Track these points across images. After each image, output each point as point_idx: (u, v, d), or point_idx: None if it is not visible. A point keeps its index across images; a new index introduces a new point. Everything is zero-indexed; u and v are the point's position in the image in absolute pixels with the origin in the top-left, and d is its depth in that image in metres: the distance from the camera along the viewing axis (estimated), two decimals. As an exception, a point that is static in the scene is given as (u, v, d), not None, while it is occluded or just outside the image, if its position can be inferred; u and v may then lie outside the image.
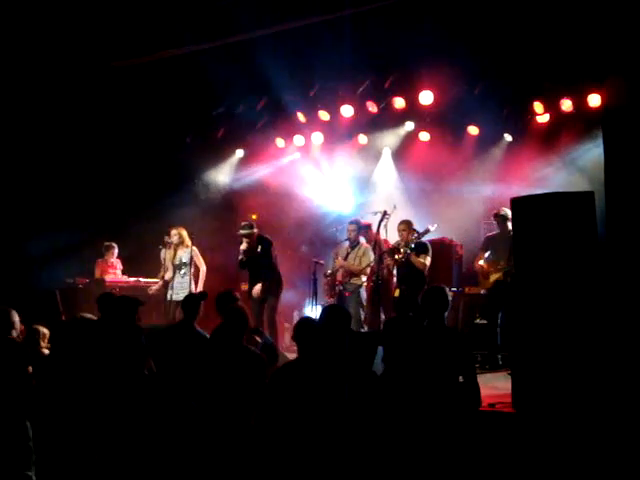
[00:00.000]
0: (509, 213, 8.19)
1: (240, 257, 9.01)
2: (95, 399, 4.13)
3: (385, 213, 8.62)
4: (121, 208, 10.68)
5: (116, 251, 10.09)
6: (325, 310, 4.45)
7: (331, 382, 4.11)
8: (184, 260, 9.35)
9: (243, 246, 8.97)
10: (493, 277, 8.33)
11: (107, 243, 10.06)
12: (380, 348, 6.50)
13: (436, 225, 8.49)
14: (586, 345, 5.51)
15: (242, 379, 4.67)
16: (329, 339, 4.22)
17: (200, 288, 9.28)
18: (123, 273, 10.12)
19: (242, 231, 8.98)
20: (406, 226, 8.45)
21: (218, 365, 4.79)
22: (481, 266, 8.50)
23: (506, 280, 8.22)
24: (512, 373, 6.08)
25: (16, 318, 6.33)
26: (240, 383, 4.65)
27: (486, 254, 8.50)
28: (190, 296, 6.73)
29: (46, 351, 5.90)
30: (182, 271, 9.32)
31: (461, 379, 4.89)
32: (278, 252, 9.51)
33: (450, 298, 5.31)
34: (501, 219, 8.42)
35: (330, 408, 4.05)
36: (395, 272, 8.63)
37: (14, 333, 6.29)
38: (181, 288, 9.12)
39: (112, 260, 10.07)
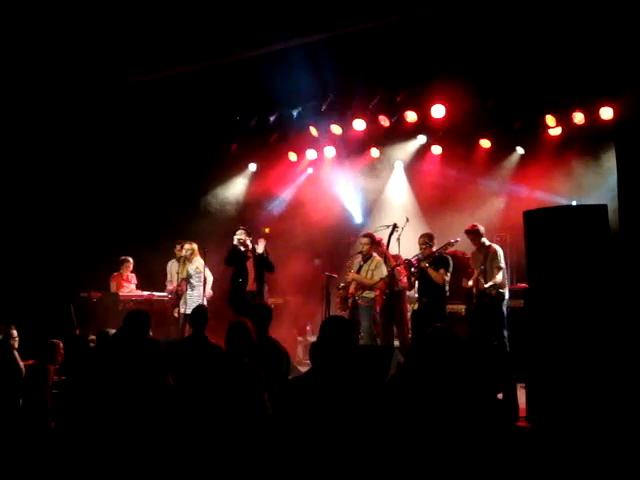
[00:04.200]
0: (481, 228, 8.32)
1: (238, 247, 9.09)
2: (116, 413, 4.17)
3: (395, 226, 8.62)
4: (135, 222, 10.74)
5: (131, 265, 10.16)
6: (324, 323, 4.44)
7: (338, 394, 4.11)
8: (192, 273, 9.44)
9: (243, 235, 9.09)
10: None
11: (122, 257, 10.12)
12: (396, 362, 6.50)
13: (459, 239, 8.48)
14: (602, 358, 5.49)
15: (238, 393, 4.64)
16: (331, 350, 4.21)
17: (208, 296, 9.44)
18: (137, 287, 10.17)
19: (239, 232, 9.17)
20: (427, 239, 8.46)
21: (217, 378, 4.80)
22: (475, 280, 8.51)
23: (486, 296, 8.22)
24: (527, 387, 6.06)
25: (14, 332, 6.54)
26: (236, 397, 4.63)
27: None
28: (197, 309, 6.80)
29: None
30: (191, 284, 9.41)
31: (500, 395, 4.87)
32: (291, 265, 9.53)
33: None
34: (475, 235, 8.46)
35: (338, 421, 4.04)
36: (416, 285, 8.63)
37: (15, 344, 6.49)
38: (192, 302, 9.17)
39: (127, 274, 10.14)
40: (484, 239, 8.49)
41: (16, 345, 6.55)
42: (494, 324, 5.18)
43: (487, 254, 8.38)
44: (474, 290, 8.32)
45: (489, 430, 3.82)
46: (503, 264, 8.30)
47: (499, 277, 8.23)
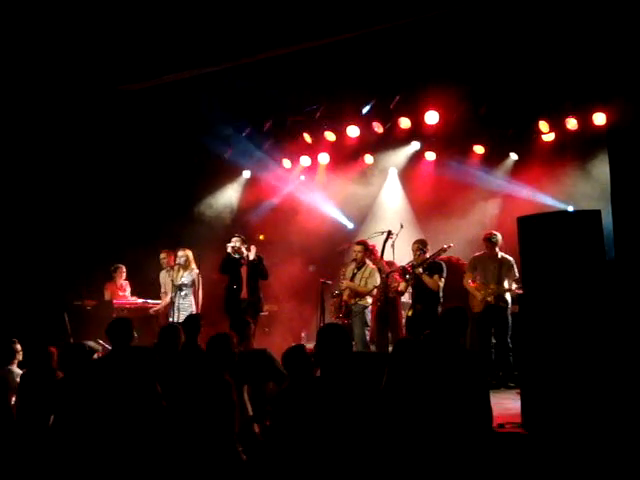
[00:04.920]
0: (499, 238, 8.32)
1: (231, 254, 9.01)
2: (108, 423, 4.15)
3: (389, 233, 8.63)
4: (129, 229, 10.71)
5: (124, 272, 10.10)
6: (321, 330, 4.45)
7: (334, 401, 4.10)
8: (185, 282, 9.39)
9: (237, 243, 9.00)
10: (481, 297, 8.33)
11: (115, 265, 10.07)
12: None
13: (452, 244, 8.50)
14: (597, 364, 5.49)
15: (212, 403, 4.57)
16: (327, 358, 4.21)
17: (198, 310, 9.37)
18: (132, 294, 10.12)
19: (234, 240, 9.10)
20: (420, 245, 8.46)
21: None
22: (471, 286, 8.48)
23: (498, 304, 8.24)
24: (522, 393, 6.05)
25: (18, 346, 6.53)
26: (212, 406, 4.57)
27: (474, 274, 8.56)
28: (190, 317, 6.76)
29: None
30: (183, 292, 9.37)
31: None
32: (285, 272, 9.49)
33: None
34: (491, 243, 8.48)
35: (334, 427, 4.03)
36: (410, 292, 8.63)
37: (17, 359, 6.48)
38: (183, 310, 9.13)
39: (121, 281, 10.07)
40: (497, 248, 8.50)
41: (20, 358, 6.60)
42: (460, 328, 5.22)
43: (502, 264, 8.39)
44: (491, 298, 8.28)
45: (464, 434, 3.83)
46: (517, 274, 8.29)
47: (514, 287, 8.28)
